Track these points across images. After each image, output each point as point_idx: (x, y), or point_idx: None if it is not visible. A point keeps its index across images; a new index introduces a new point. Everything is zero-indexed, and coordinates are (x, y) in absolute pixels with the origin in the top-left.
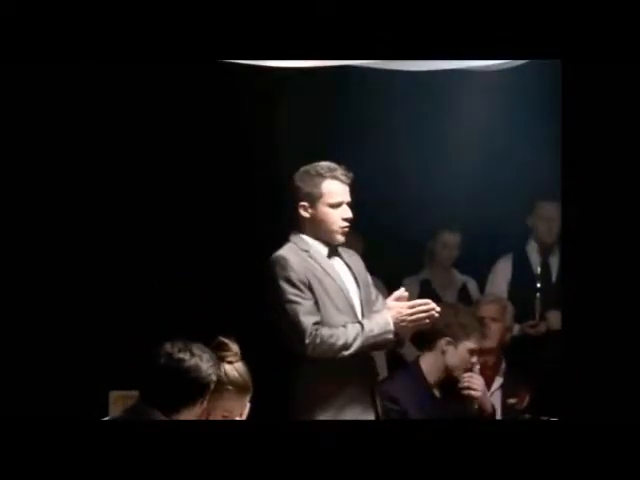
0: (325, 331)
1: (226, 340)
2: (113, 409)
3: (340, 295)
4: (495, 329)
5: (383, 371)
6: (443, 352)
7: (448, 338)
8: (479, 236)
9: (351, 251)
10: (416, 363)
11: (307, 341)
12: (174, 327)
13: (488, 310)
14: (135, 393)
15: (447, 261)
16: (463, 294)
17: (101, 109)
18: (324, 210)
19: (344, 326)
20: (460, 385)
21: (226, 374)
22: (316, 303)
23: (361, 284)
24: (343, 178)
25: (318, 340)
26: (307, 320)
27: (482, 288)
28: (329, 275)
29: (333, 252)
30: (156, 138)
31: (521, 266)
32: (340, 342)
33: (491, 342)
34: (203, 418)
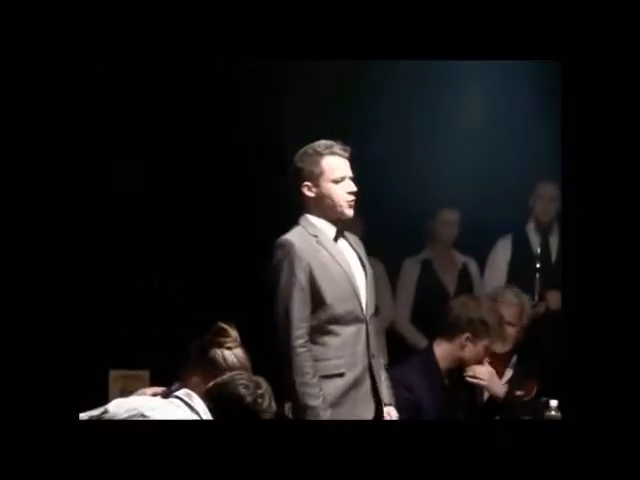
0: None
1: (225, 326)
2: (113, 388)
3: (346, 282)
4: (512, 333)
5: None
6: (462, 347)
7: (469, 334)
8: (479, 216)
9: (356, 237)
10: (430, 350)
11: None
12: (174, 311)
13: (507, 313)
14: (136, 373)
15: (448, 240)
16: (464, 275)
17: (100, 108)
18: (328, 186)
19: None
20: (466, 374)
21: (225, 360)
22: (315, 294)
23: (367, 269)
24: (341, 152)
25: (305, 350)
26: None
27: (482, 268)
28: (337, 262)
29: (340, 234)
30: (155, 136)
31: (521, 246)
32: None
33: (508, 346)
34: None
